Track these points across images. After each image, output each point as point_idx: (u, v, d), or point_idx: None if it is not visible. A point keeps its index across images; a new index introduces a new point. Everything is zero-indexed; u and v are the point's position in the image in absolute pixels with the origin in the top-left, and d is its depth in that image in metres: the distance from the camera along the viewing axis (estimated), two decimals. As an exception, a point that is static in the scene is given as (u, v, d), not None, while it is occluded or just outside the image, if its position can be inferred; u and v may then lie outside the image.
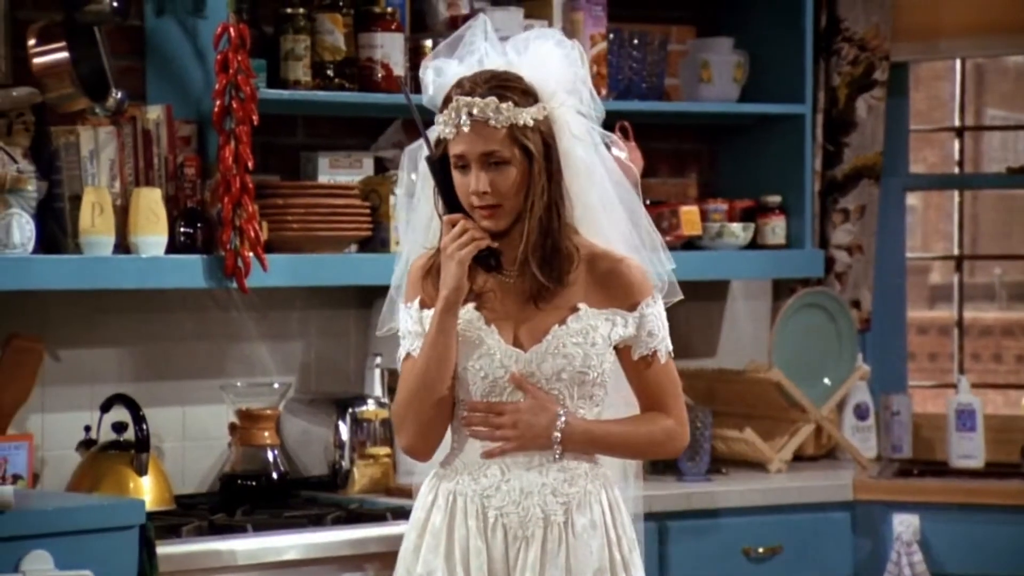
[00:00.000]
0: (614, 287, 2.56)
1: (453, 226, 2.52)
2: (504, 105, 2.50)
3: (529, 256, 2.53)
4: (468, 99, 2.50)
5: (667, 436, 2.60)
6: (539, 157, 2.51)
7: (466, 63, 2.59)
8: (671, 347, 2.62)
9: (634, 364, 2.60)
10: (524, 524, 2.54)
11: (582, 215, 2.58)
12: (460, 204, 2.55)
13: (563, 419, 2.54)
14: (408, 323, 2.61)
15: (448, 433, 2.63)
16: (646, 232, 2.63)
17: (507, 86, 2.52)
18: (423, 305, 2.61)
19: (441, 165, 2.58)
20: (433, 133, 2.61)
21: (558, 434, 2.54)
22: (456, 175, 2.55)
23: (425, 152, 2.62)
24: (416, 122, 2.63)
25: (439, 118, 2.57)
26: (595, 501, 2.57)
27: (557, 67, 2.57)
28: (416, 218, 2.66)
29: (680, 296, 2.68)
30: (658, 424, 2.59)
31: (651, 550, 3.65)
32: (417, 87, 3.75)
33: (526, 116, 2.50)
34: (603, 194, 2.59)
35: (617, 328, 2.57)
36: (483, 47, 2.58)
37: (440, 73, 2.59)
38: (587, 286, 2.57)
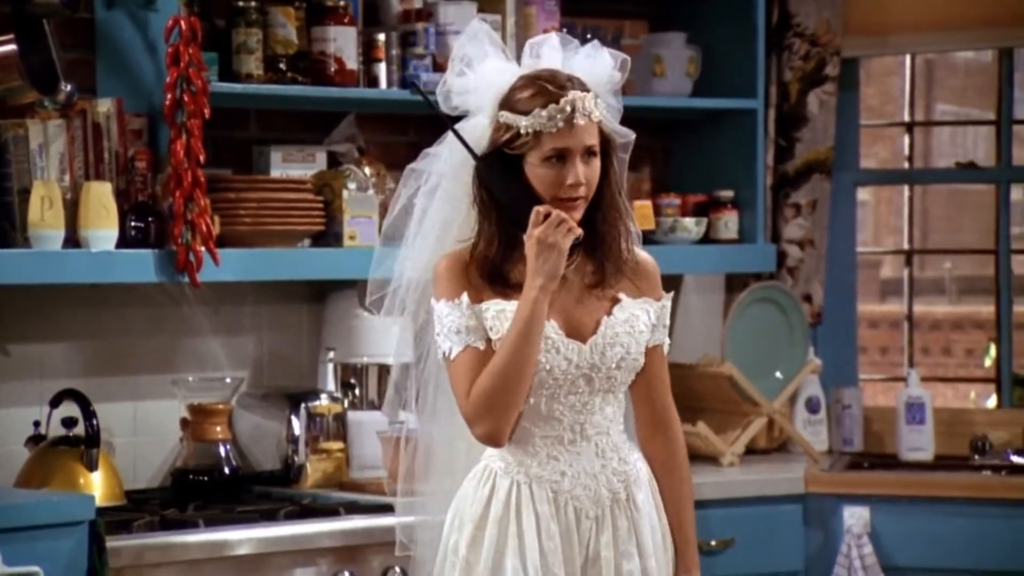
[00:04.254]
0: (643, 278, 2.72)
1: (544, 217, 2.60)
2: (599, 100, 2.66)
3: (607, 245, 2.68)
4: (577, 94, 2.62)
5: (683, 455, 2.79)
6: (614, 150, 2.70)
7: (496, 62, 2.68)
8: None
9: (647, 352, 2.72)
10: (596, 504, 2.66)
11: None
12: (532, 198, 2.62)
13: None
14: (459, 318, 2.64)
15: None
16: (635, 228, 2.77)
17: (582, 83, 2.66)
18: (474, 300, 2.65)
19: (504, 159, 2.64)
20: (473, 125, 2.68)
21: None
22: (546, 167, 2.63)
23: (470, 150, 2.67)
24: (451, 128, 2.69)
25: (540, 112, 2.62)
26: (642, 476, 2.72)
27: (604, 71, 2.70)
28: (428, 225, 2.72)
29: None
30: (683, 467, 2.77)
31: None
32: (371, 81, 3.79)
33: (604, 110, 2.68)
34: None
35: (650, 317, 2.71)
36: (498, 51, 2.69)
37: (490, 71, 2.67)
38: (622, 277, 2.71)
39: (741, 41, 4.22)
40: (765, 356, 4.30)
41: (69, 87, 3.34)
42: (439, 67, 3.84)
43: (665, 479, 2.74)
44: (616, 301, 2.68)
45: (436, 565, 2.69)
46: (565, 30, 4.04)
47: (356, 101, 3.78)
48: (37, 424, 3.46)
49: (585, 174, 2.62)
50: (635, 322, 2.67)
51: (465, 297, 2.64)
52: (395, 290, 2.73)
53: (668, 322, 2.75)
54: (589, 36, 4.10)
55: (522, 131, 2.62)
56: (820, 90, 4.42)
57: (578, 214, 2.64)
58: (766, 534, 3.95)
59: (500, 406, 2.60)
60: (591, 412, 2.67)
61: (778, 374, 4.32)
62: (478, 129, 2.67)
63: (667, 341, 2.74)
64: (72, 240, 3.36)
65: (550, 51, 2.69)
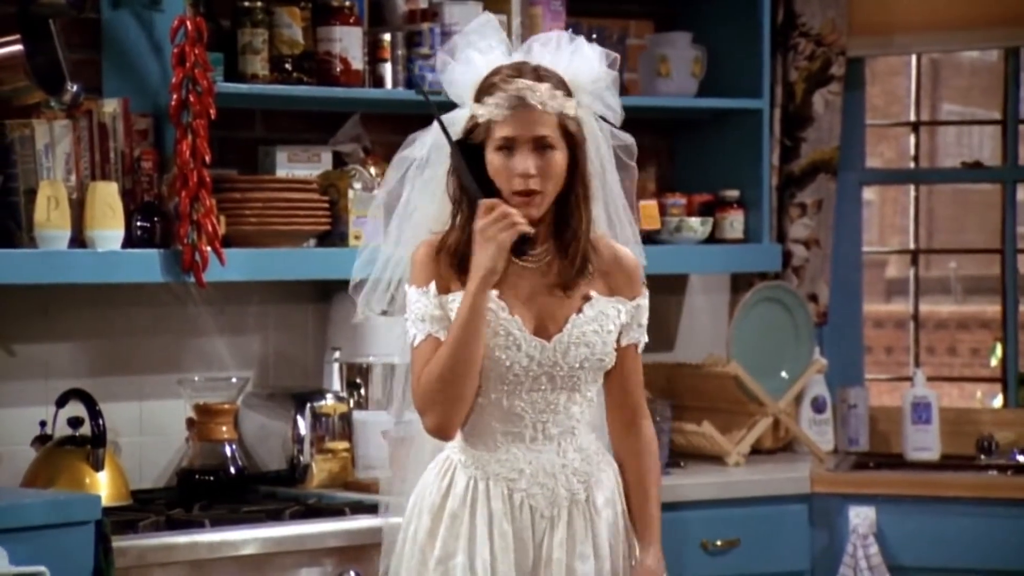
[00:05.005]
0: (618, 276, 2.68)
1: (490, 210, 2.57)
2: (558, 92, 2.60)
3: (572, 244, 2.64)
4: (525, 82, 2.58)
5: (654, 447, 2.73)
6: (581, 146, 2.62)
7: (491, 55, 2.66)
8: (645, 341, 2.74)
9: (619, 351, 2.68)
10: (552, 504, 2.63)
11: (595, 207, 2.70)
12: (493, 190, 2.61)
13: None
14: (425, 306, 2.63)
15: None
16: (631, 227, 2.74)
17: (553, 77, 2.62)
18: (441, 290, 2.64)
19: (472, 150, 2.62)
20: (457, 116, 2.66)
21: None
22: (498, 158, 2.61)
23: (449, 138, 2.65)
24: (436, 117, 2.67)
25: (489, 100, 2.61)
26: (606, 478, 2.69)
27: (588, 67, 2.66)
28: (418, 214, 2.71)
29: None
30: (650, 453, 2.72)
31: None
32: (376, 81, 3.80)
33: (570, 105, 2.61)
34: (607, 190, 2.70)
35: (621, 316, 2.68)
36: (500, 44, 2.67)
37: (468, 61, 2.65)
38: (594, 274, 2.67)
39: (746, 41, 4.22)
40: (770, 356, 4.30)
41: (75, 87, 3.35)
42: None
43: (633, 461, 2.70)
44: (587, 299, 2.66)
45: (396, 548, 2.69)
46: (571, 30, 4.05)
47: (361, 101, 3.79)
48: (43, 424, 3.47)
49: (537, 166, 2.57)
50: (604, 321, 2.65)
51: (432, 286, 2.63)
52: (374, 281, 2.73)
53: (644, 321, 2.70)
54: (595, 36, 4.12)
55: (479, 120, 2.61)
56: (825, 90, 4.42)
57: (536, 210, 2.60)
58: (772, 534, 3.95)
59: (445, 398, 2.59)
60: (554, 411, 2.64)
61: (784, 374, 4.31)
62: (460, 120, 2.66)
63: (643, 340, 2.71)
64: (78, 240, 3.36)
65: (540, 47, 2.67)
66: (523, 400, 2.64)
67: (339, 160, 3.86)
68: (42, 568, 2.70)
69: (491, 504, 2.62)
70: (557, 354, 2.63)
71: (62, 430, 3.44)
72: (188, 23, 3.40)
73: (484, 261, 2.56)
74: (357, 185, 3.72)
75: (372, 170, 3.83)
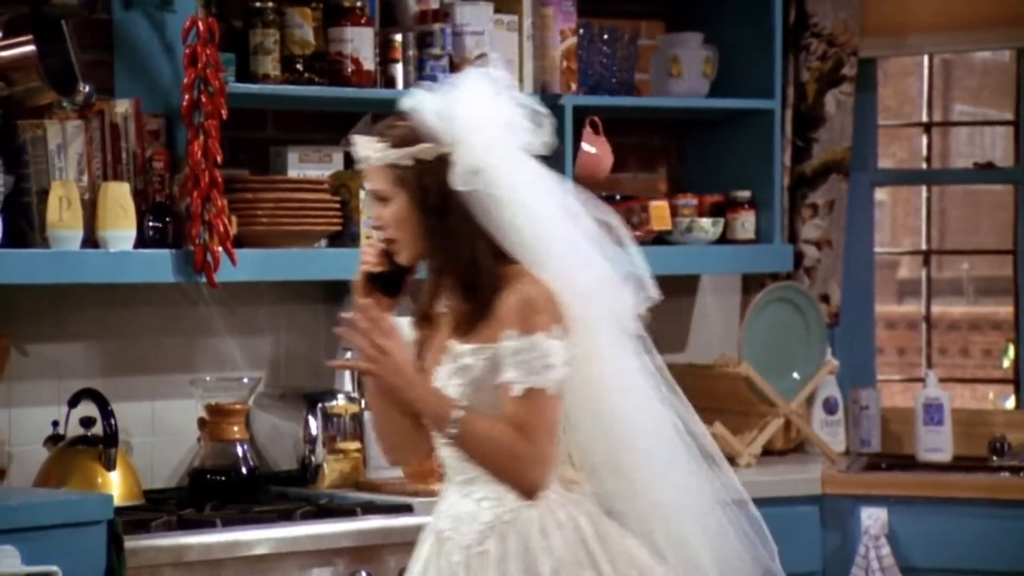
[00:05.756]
0: (493, 318, 2.56)
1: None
2: (379, 145, 2.57)
3: (449, 293, 2.59)
4: (353, 138, 2.62)
5: (516, 453, 2.53)
6: (417, 195, 2.56)
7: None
8: (540, 385, 2.52)
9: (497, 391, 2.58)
10: (460, 548, 2.59)
11: (518, 248, 2.57)
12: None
13: (465, 407, 2.56)
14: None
15: None
16: (609, 253, 2.61)
17: (391, 125, 2.60)
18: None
19: None
20: None
21: (458, 414, 2.54)
22: None
23: None
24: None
25: None
26: (499, 528, 2.57)
27: (475, 107, 2.58)
28: None
29: (652, 297, 2.64)
30: (519, 439, 2.54)
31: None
32: (388, 82, 3.80)
33: (402, 155, 2.55)
34: (539, 226, 2.57)
35: (478, 361, 2.56)
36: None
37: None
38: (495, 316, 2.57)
39: (758, 41, 4.22)
40: (782, 357, 4.29)
41: (87, 88, 3.35)
42: (456, 68, 3.84)
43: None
44: (446, 350, 2.60)
45: None
46: (582, 30, 4.05)
47: (373, 101, 3.79)
48: (56, 424, 3.47)
49: (375, 217, 2.59)
50: (463, 371, 2.56)
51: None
52: None
53: (523, 359, 2.50)
54: (606, 36, 4.13)
55: None
56: (837, 90, 4.41)
57: (400, 256, 2.59)
58: (783, 535, 3.91)
59: (382, 443, 2.73)
60: (465, 459, 2.59)
61: (795, 375, 4.31)
62: None
63: (516, 383, 2.50)
64: (90, 240, 3.37)
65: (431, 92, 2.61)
66: (444, 448, 2.63)
67: (350, 160, 3.86)
68: (54, 568, 2.71)
69: (424, 547, 2.65)
70: None
71: (74, 430, 3.45)
72: (200, 23, 3.40)
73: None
74: (368, 185, 3.72)
75: (383, 170, 3.83)
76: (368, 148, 2.57)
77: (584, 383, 2.58)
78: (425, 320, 2.65)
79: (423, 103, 2.57)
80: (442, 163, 2.54)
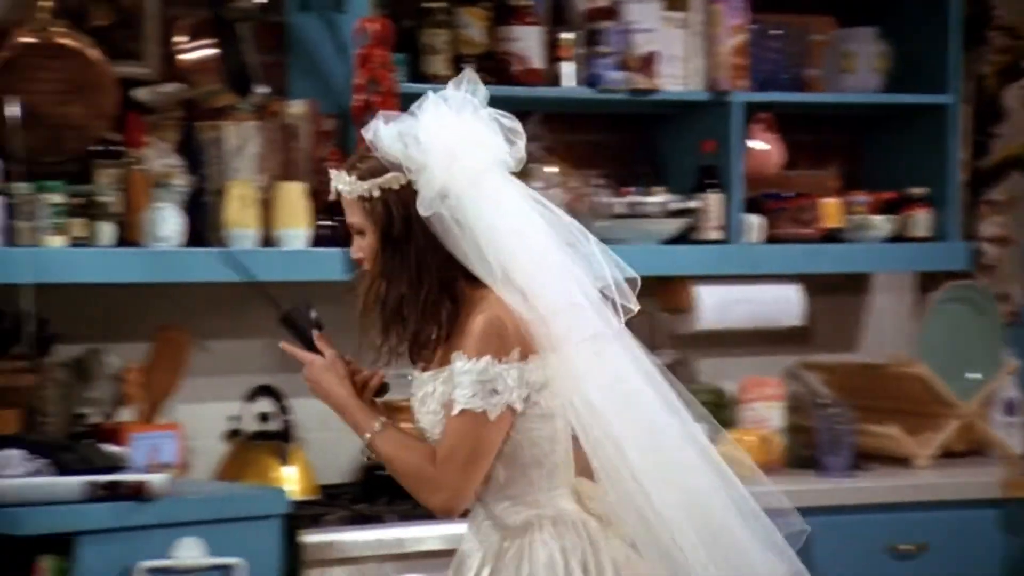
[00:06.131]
0: (455, 342, 2.53)
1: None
2: (349, 178, 2.56)
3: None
4: (332, 172, 2.61)
5: (419, 478, 2.54)
6: (383, 224, 2.54)
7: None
8: (479, 408, 2.48)
9: None
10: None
11: (484, 271, 2.52)
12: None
13: (376, 431, 2.59)
14: None
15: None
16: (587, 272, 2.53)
17: (361, 157, 2.58)
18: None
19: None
20: None
21: (367, 438, 2.59)
22: None
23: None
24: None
25: None
26: (466, 562, 2.59)
27: (437, 131, 2.53)
28: None
29: (631, 307, 2.52)
30: (424, 464, 2.54)
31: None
32: (556, 81, 3.80)
33: (369, 187, 2.54)
34: (504, 246, 2.51)
35: (437, 387, 2.55)
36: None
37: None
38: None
39: (934, 35, 4.12)
40: (957, 357, 4.19)
41: (263, 89, 3.42)
42: (624, 66, 3.83)
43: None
44: (411, 379, 2.60)
45: None
46: (753, 27, 4.01)
47: (541, 101, 3.79)
48: (234, 419, 3.55)
49: (358, 247, 2.58)
50: (427, 399, 2.56)
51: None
52: None
53: (469, 380, 2.46)
54: (775, 32, 4.07)
55: None
56: (1018, 84, 4.29)
57: (371, 289, 2.58)
58: (961, 540, 3.85)
59: None
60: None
61: (973, 375, 4.20)
62: None
63: (457, 403, 2.47)
64: (266, 239, 3.43)
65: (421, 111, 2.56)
66: None
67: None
68: (236, 559, 2.76)
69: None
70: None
71: (251, 425, 3.52)
72: (372, 25, 3.44)
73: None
74: (536, 185, 3.73)
75: (551, 169, 3.83)
76: (340, 181, 2.57)
77: (570, 401, 2.50)
78: (411, 355, 2.61)
79: (382, 133, 2.54)
80: (407, 191, 2.52)
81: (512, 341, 2.48)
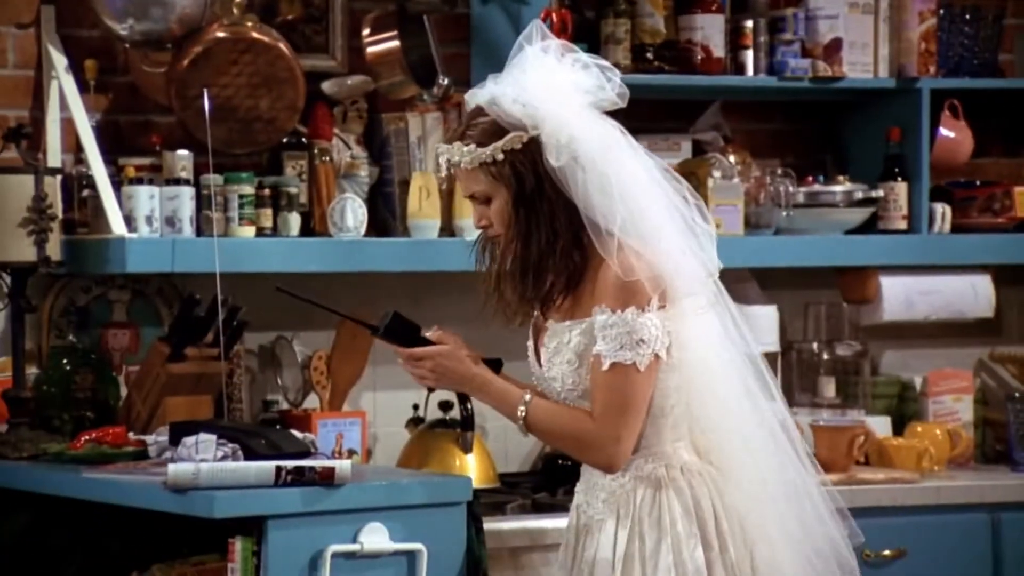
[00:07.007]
0: (592, 293, 2.55)
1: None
2: (467, 148, 2.55)
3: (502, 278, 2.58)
4: (439, 147, 2.63)
5: (580, 437, 2.55)
6: (514, 185, 2.54)
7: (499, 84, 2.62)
8: (628, 360, 2.50)
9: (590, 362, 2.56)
10: (569, 529, 2.68)
11: (612, 217, 2.53)
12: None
13: (527, 402, 2.60)
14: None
15: None
16: (692, 224, 2.57)
17: (471, 125, 2.58)
18: None
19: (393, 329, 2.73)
20: None
21: (522, 410, 2.59)
22: None
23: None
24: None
25: None
26: (585, 521, 2.64)
27: (546, 82, 2.55)
28: None
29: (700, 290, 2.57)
30: (582, 423, 2.55)
31: (983, 542, 3.53)
32: (738, 69, 3.75)
33: (489, 152, 2.53)
34: (629, 191, 2.54)
35: (574, 337, 2.56)
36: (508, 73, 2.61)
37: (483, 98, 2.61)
38: (584, 295, 2.57)
39: None
40: None
41: (446, 81, 3.45)
42: (808, 53, 3.77)
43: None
44: (545, 330, 2.60)
45: None
46: (942, 11, 3.91)
47: (722, 89, 3.76)
48: (416, 407, 3.59)
49: (483, 215, 2.58)
50: (563, 349, 2.56)
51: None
52: None
53: (614, 334, 2.49)
54: (968, 16, 3.96)
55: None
56: None
57: (508, 251, 2.57)
58: None
59: None
60: None
61: None
62: None
63: (607, 357, 2.48)
64: (447, 229, 3.46)
65: (507, 76, 2.59)
66: None
67: (698, 148, 3.84)
68: (419, 545, 2.79)
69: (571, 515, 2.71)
70: (544, 386, 2.63)
71: (433, 413, 3.56)
72: (554, 15, 3.44)
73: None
74: (716, 173, 3.70)
75: (732, 158, 3.79)
76: (456, 153, 2.56)
77: (684, 354, 2.55)
78: (543, 308, 2.62)
79: (498, 94, 2.55)
80: (530, 148, 2.53)
81: (651, 289, 2.50)
